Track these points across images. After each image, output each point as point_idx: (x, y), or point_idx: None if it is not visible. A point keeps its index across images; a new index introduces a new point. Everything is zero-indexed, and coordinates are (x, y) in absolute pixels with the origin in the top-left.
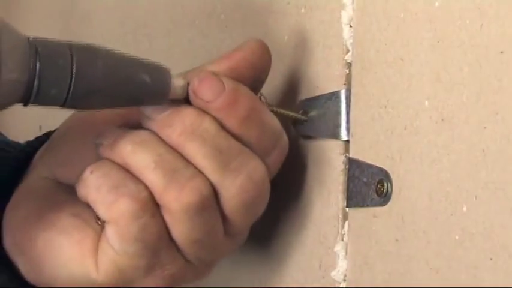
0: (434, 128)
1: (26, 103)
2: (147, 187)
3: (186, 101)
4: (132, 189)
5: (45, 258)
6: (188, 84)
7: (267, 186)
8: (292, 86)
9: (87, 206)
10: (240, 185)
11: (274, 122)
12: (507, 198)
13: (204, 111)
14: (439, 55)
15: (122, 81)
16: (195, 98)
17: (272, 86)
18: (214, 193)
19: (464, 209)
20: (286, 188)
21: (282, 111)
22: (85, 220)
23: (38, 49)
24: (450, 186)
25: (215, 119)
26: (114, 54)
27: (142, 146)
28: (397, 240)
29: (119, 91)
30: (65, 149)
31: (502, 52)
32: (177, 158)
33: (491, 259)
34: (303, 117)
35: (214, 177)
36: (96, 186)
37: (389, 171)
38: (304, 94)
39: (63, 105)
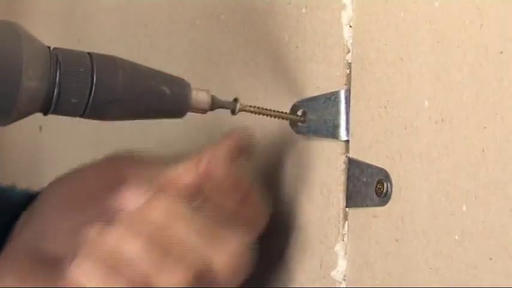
0: (434, 128)
1: (46, 112)
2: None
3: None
4: (125, 275)
5: None
6: (213, 98)
7: (249, 257)
8: (293, 86)
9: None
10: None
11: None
12: (507, 198)
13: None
14: (439, 55)
15: (141, 91)
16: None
17: (273, 86)
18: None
19: (464, 208)
20: (288, 188)
21: (279, 113)
22: None
23: (58, 58)
24: (450, 186)
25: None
26: (134, 65)
27: (127, 236)
28: (396, 240)
29: (138, 102)
30: (47, 222)
31: (501, 52)
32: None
33: (490, 259)
34: (300, 118)
35: (199, 254)
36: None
37: (389, 171)
38: (305, 94)
39: (83, 114)
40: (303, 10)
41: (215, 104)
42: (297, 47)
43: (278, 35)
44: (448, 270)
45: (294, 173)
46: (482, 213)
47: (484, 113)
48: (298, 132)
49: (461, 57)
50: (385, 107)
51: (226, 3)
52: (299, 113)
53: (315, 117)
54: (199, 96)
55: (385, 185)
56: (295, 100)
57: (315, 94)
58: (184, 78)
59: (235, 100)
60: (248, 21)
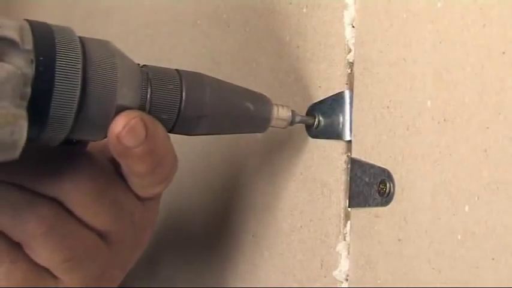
0: (437, 128)
1: None
2: None
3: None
4: None
5: None
6: (293, 114)
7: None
8: (294, 86)
9: None
10: None
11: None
12: (509, 198)
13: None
14: (442, 55)
15: (228, 107)
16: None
17: (274, 85)
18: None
19: (467, 209)
20: (288, 188)
21: (303, 118)
22: None
23: (149, 75)
24: (452, 186)
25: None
26: (220, 82)
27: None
28: (399, 240)
29: (224, 117)
30: None
31: (504, 52)
32: None
33: (493, 259)
34: (316, 123)
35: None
36: None
37: (392, 172)
38: (306, 94)
39: (172, 129)
40: (304, 10)
41: (295, 120)
42: (298, 47)
43: (279, 34)
44: (450, 270)
45: (295, 173)
46: (485, 213)
47: (487, 113)
48: (312, 136)
49: (463, 57)
50: (388, 107)
51: (228, 3)
52: (314, 118)
53: (324, 119)
54: (280, 112)
55: (387, 185)
56: (296, 99)
57: (317, 94)
58: None
59: (315, 116)
60: (249, 21)
